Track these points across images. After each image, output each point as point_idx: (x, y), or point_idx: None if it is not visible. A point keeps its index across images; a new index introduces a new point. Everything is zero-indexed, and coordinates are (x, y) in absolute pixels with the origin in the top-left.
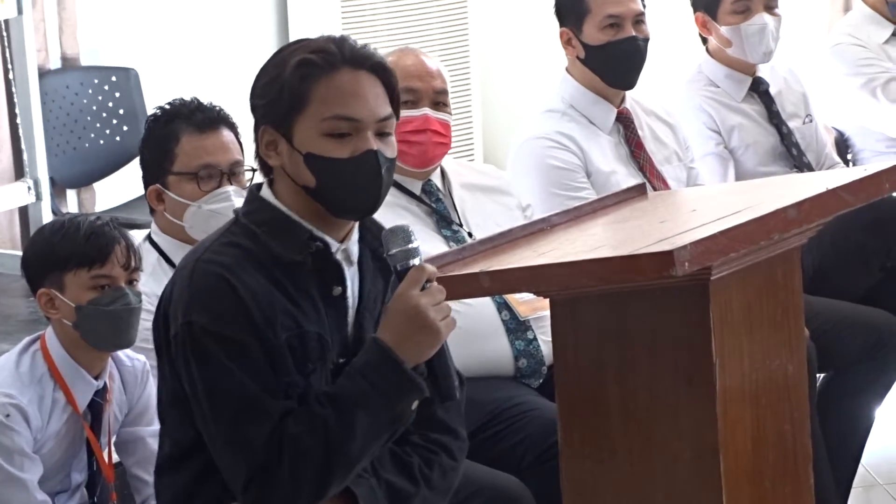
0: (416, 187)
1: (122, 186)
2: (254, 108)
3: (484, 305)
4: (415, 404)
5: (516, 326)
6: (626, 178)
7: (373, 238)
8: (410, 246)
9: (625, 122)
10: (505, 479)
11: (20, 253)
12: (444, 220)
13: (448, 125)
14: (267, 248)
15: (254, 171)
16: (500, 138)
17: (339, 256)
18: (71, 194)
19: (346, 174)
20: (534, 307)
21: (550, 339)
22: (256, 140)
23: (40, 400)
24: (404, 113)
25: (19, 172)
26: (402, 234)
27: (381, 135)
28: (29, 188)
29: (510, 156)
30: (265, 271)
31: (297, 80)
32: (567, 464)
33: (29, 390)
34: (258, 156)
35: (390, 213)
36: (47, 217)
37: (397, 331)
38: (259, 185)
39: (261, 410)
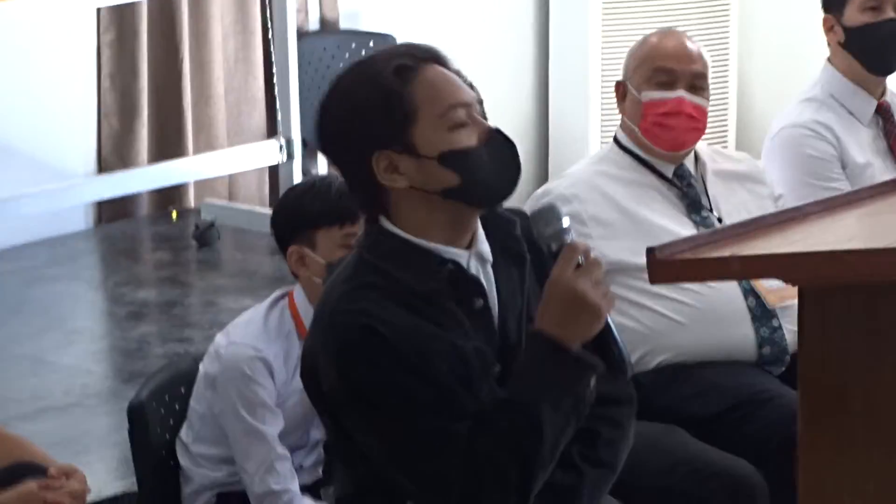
0: (669, 170)
1: None
2: (350, 144)
3: (731, 290)
4: (592, 382)
5: (762, 314)
6: (883, 171)
7: (494, 228)
8: (562, 226)
9: (885, 115)
10: (742, 467)
11: (268, 211)
12: (695, 204)
13: (703, 110)
14: (399, 281)
15: None
16: (755, 126)
17: (472, 267)
18: (321, 157)
19: (486, 160)
20: (782, 296)
21: (795, 328)
22: (362, 175)
23: (286, 355)
24: (657, 94)
25: (272, 131)
26: (552, 213)
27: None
28: (281, 147)
29: (766, 144)
30: (405, 305)
31: (401, 88)
32: (805, 455)
33: (275, 345)
34: (361, 190)
35: (642, 192)
36: (297, 177)
37: (558, 316)
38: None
39: (444, 442)
